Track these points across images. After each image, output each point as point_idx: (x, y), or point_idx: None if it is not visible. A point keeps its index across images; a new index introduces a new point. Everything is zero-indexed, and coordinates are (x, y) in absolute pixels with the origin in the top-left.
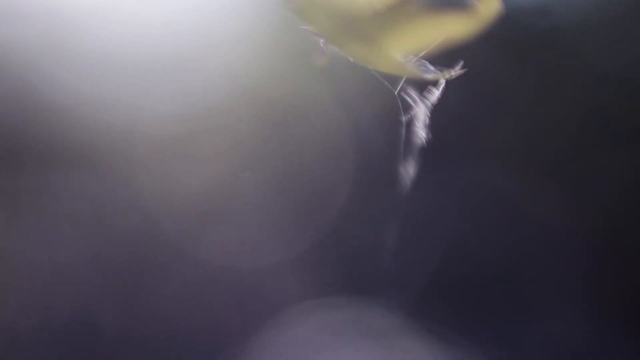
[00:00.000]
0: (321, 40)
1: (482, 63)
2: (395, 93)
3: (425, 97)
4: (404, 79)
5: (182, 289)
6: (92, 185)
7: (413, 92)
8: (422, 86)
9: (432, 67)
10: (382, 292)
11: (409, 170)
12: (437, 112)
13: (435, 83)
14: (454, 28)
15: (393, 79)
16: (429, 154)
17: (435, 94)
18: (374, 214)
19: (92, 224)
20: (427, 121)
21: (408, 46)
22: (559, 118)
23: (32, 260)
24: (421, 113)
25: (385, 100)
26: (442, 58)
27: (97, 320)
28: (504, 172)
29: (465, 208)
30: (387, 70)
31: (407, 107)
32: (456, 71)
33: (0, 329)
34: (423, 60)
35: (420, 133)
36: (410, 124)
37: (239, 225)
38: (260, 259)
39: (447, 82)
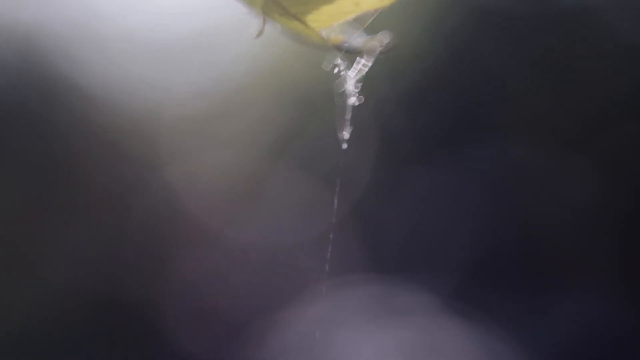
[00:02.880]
0: (256, 15)
1: (507, 37)
2: (326, 65)
3: (355, 68)
4: (335, 51)
5: (208, 266)
6: (117, 165)
7: (343, 63)
8: (353, 57)
9: (361, 38)
10: (407, 271)
11: (343, 139)
12: (460, 88)
13: (366, 54)
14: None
15: (326, 52)
16: (452, 132)
17: (366, 64)
18: (400, 193)
19: (119, 204)
20: (357, 91)
21: (333, 17)
22: (586, 92)
23: (59, 239)
24: (351, 84)
25: (408, 84)
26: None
27: (127, 298)
28: (529, 148)
29: (490, 185)
30: (317, 41)
31: (339, 79)
32: (387, 43)
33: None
34: (353, 31)
35: (351, 103)
36: (343, 94)
37: (264, 204)
38: (286, 237)
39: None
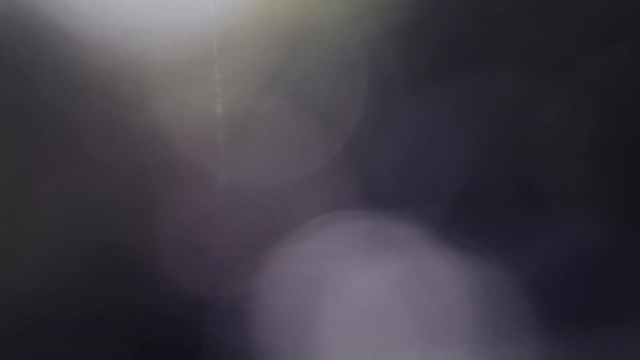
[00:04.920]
0: None
1: None
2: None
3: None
4: None
5: (204, 207)
6: (107, 109)
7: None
8: None
9: None
10: (401, 204)
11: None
12: (449, 20)
13: None
14: None
15: None
16: (442, 64)
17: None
18: (392, 127)
19: (110, 147)
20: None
21: None
22: (576, 20)
23: (49, 182)
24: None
25: (394, 20)
26: None
27: (118, 241)
28: (519, 78)
29: (479, 116)
30: None
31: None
32: None
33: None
34: None
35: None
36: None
37: (257, 143)
38: (277, 175)
39: None
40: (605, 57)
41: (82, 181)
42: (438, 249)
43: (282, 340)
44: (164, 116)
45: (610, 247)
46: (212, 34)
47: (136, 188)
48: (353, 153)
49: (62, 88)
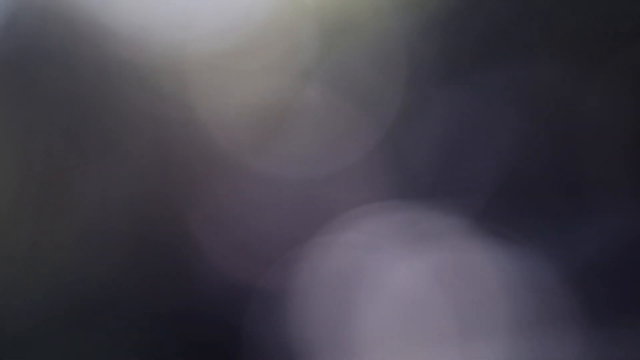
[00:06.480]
0: None
1: None
2: None
3: None
4: None
5: (241, 197)
6: (146, 101)
7: None
8: None
9: None
10: (438, 195)
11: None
12: (479, 11)
13: None
14: None
15: None
16: (478, 54)
17: None
18: (431, 118)
19: (147, 136)
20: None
21: None
22: (606, 8)
23: (90, 174)
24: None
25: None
26: None
27: (158, 233)
28: (554, 66)
29: (516, 105)
30: None
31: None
32: None
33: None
34: None
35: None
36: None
37: (296, 134)
38: (316, 165)
39: None
40: None
41: (122, 172)
42: (477, 239)
43: (322, 330)
44: (203, 108)
45: None
46: (250, 26)
47: (176, 181)
48: (392, 143)
49: (101, 82)
